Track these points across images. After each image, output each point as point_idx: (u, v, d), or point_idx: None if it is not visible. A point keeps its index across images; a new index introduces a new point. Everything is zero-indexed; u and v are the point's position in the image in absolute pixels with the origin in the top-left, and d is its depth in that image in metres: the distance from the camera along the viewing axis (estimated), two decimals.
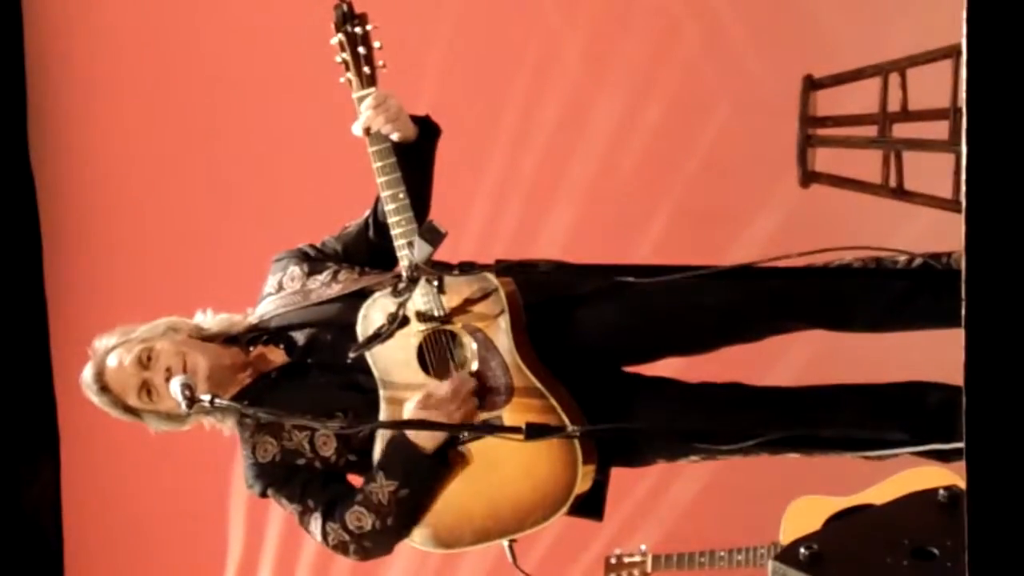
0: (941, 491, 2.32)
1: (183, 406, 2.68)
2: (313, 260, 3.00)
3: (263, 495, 2.95)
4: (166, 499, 5.19)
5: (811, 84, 3.03)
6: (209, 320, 2.99)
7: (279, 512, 4.92)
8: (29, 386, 5.19)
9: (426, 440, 2.78)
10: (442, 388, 2.76)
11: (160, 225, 5.06)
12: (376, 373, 2.82)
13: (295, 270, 3.00)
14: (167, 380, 2.81)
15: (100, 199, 5.13)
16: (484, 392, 2.79)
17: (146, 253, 5.07)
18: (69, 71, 5.08)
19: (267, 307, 2.99)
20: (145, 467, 5.07)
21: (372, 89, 2.77)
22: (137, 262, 5.07)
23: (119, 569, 5.36)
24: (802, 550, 2.19)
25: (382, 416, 2.82)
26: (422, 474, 2.79)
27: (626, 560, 4.20)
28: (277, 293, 3.00)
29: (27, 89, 5.08)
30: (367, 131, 2.78)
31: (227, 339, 2.96)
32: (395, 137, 2.79)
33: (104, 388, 2.92)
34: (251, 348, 2.96)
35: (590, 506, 2.88)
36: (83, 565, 5.39)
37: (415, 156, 2.85)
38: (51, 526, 5.32)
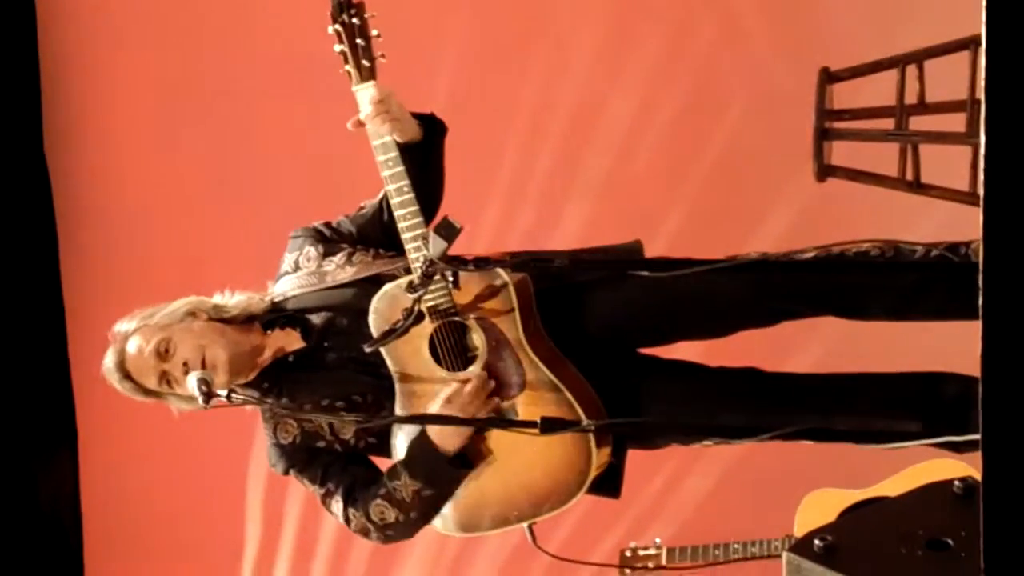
0: (956, 482, 2.31)
1: (200, 401, 2.73)
2: (328, 240, 3.00)
3: (285, 474, 2.99)
4: (184, 491, 5.21)
5: (827, 77, 3.01)
6: (229, 300, 2.97)
7: (297, 502, 4.98)
8: (46, 380, 5.20)
9: (448, 443, 2.80)
10: (464, 390, 2.77)
11: (175, 216, 5.06)
12: (390, 363, 2.83)
13: (311, 250, 2.99)
14: (185, 374, 2.83)
15: (114, 191, 5.14)
16: (497, 384, 2.81)
17: (161, 246, 5.07)
18: (82, 65, 5.09)
19: (284, 286, 3.00)
20: (163, 459, 5.08)
21: (371, 83, 2.73)
22: (152, 256, 5.07)
23: (139, 562, 5.38)
24: (816, 542, 2.19)
25: (397, 404, 2.84)
26: (445, 476, 2.83)
27: (641, 553, 4.20)
28: (294, 273, 3.00)
29: (41, 80, 5.10)
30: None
31: (245, 319, 2.96)
32: (398, 138, 2.75)
33: (127, 376, 2.92)
34: (268, 331, 2.96)
35: (607, 484, 2.90)
36: (103, 559, 5.40)
37: (420, 156, 2.82)
38: (70, 520, 5.33)
